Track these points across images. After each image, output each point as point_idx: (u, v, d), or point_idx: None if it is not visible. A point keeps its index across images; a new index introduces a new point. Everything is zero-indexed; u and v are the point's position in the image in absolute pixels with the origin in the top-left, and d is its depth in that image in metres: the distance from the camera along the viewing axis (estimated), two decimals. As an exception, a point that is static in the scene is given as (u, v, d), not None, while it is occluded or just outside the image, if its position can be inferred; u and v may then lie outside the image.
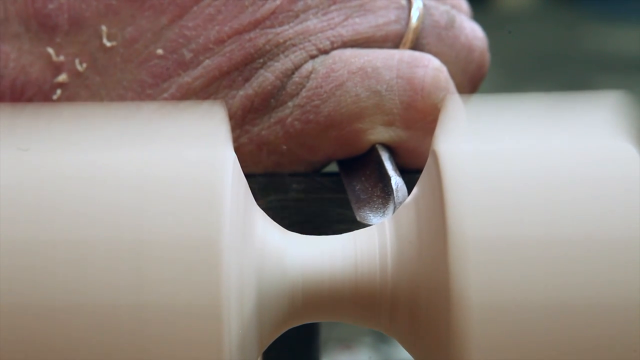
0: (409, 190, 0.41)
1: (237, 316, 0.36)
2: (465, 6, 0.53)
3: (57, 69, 0.48)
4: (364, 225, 0.43)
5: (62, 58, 0.47)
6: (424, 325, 0.38)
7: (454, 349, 0.35)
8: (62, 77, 0.48)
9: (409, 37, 0.49)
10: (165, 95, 0.48)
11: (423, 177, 0.39)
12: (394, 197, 0.44)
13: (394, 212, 0.43)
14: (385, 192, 0.45)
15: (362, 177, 0.47)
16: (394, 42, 0.49)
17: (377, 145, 0.48)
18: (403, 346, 0.40)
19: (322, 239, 0.40)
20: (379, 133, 0.48)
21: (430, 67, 0.47)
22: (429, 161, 0.39)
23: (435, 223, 0.37)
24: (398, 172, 0.45)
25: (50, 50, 0.47)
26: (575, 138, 0.39)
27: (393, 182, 0.45)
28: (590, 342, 0.35)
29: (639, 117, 0.39)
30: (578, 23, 3.04)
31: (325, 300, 0.38)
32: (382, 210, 0.44)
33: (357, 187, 0.47)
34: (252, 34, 0.47)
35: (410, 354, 0.40)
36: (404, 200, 0.43)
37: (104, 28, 0.47)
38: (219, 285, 0.35)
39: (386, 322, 0.39)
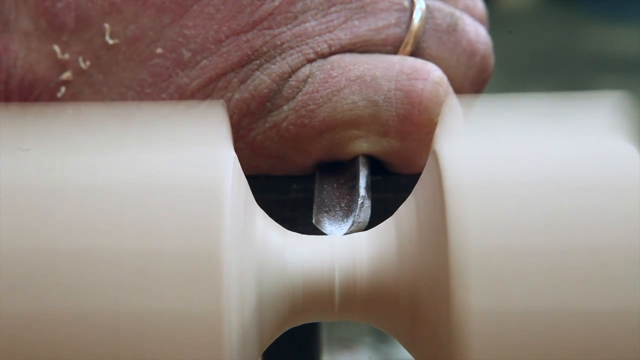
0: (407, 194, 0.41)
1: (237, 316, 0.36)
2: (479, 8, 0.53)
3: (62, 66, 0.48)
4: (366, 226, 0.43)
5: (67, 56, 0.48)
6: (424, 325, 0.38)
7: (454, 349, 0.35)
8: (67, 75, 0.48)
9: (409, 41, 0.48)
10: (164, 95, 0.47)
11: (423, 177, 0.39)
12: (354, 215, 0.44)
13: (349, 230, 0.43)
14: (349, 207, 0.45)
15: (334, 183, 0.47)
16: (394, 45, 0.49)
17: (360, 158, 0.48)
18: (403, 346, 0.40)
19: (322, 239, 0.40)
20: (372, 142, 0.48)
21: (429, 80, 0.47)
22: (429, 161, 0.39)
23: (435, 223, 0.37)
24: (369, 193, 0.45)
25: (56, 48, 0.47)
26: (575, 138, 0.39)
27: (360, 201, 0.44)
28: (591, 343, 0.35)
29: (639, 117, 0.39)
30: (578, 23, 3.04)
31: (325, 300, 0.38)
32: (339, 223, 0.44)
33: (325, 191, 0.46)
34: (249, 35, 0.47)
35: (411, 354, 0.40)
36: (365, 222, 0.43)
37: (107, 26, 0.47)
38: (219, 285, 0.35)
39: (386, 321, 0.39)
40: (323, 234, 0.42)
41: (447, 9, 0.50)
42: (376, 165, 0.49)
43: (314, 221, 0.44)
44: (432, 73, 0.47)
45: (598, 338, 0.35)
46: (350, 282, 0.38)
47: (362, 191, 0.45)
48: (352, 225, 0.43)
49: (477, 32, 0.50)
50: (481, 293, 0.35)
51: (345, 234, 0.42)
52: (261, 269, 0.38)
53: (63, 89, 0.48)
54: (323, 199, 0.46)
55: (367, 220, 0.44)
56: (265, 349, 0.39)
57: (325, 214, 0.44)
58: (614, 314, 0.35)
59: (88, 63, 0.48)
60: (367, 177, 0.46)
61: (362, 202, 0.44)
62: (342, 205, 0.45)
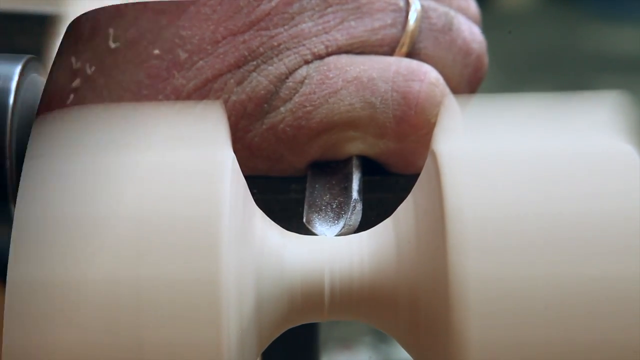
0: (406, 194, 0.41)
1: (236, 316, 0.36)
2: (473, 9, 0.53)
3: (74, 75, 0.48)
4: (362, 227, 0.43)
5: (79, 64, 0.48)
6: (423, 325, 0.38)
7: (452, 349, 0.35)
8: (76, 82, 0.48)
9: (406, 41, 0.48)
10: (161, 96, 0.47)
11: (422, 177, 0.39)
12: (346, 217, 0.44)
13: (340, 231, 0.43)
14: (340, 208, 0.45)
15: (326, 183, 0.47)
16: (390, 46, 0.49)
17: (353, 160, 0.48)
18: (402, 346, 0.40)
19: (321, 239, 0.40)
20: (369, 144, 0.48)
21: (426, 81, 0.47)
22: (428, 161, 0.39)
23: (434, 223, 0.37)
24: (361, 195, 0.45)
25: (73, 59, 0.48)
26: (574, 138, 0.39)
27: (352, 204, 0.44)
28: (589, 339, 0.35)
29: (639, 117, 0.39)
30: (578, 23, 3.05)
31: (324, 300, 0.39)
32: (330, 223, 0.44)
33: (317, 191, 0.46)
34: (246, 36, 0.47)
35: (410, 354, 0.40)
36: (355, 224, 0.43)
37: (111, 30, 0.47)
38: (218, 285, 0.35)
39: (385, 321, 0.39)
40: (313, 233, 0.42)
41: (441, 8, 0.50)
42: (375, 165, 0.49)
43: (304, 220, 0.44)
44: (428, 74, 0.47)
45: (599, 325, 0.35)
46: (349, 283, 0.38)
47: (355, 194, 0.45)
48: (343, 227, 0.43)
49: (471, 31, 0.50)
50: (480, 293, 0.35)
51: (335, 236, 0.42)
52: (260, 269, 0.38)
53: (72, 97, 0.48)
54: (314, 199, 0.46)
55: (358, 223, 0.44)
56: (264, 349, 0.39)
57: (316, 214, 0.44)
58: (615, 303, 0.35)
59: (93, 68, 0.48)
60: (359, 180, 0.46)
61: (354, 205, 0.44)
62: (334, 207, 0.45)
